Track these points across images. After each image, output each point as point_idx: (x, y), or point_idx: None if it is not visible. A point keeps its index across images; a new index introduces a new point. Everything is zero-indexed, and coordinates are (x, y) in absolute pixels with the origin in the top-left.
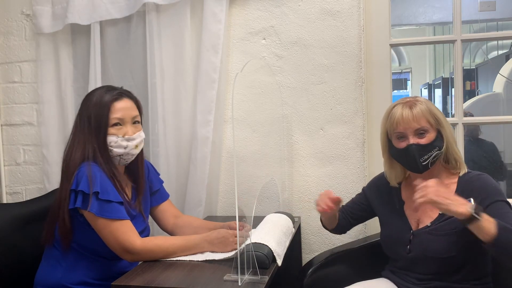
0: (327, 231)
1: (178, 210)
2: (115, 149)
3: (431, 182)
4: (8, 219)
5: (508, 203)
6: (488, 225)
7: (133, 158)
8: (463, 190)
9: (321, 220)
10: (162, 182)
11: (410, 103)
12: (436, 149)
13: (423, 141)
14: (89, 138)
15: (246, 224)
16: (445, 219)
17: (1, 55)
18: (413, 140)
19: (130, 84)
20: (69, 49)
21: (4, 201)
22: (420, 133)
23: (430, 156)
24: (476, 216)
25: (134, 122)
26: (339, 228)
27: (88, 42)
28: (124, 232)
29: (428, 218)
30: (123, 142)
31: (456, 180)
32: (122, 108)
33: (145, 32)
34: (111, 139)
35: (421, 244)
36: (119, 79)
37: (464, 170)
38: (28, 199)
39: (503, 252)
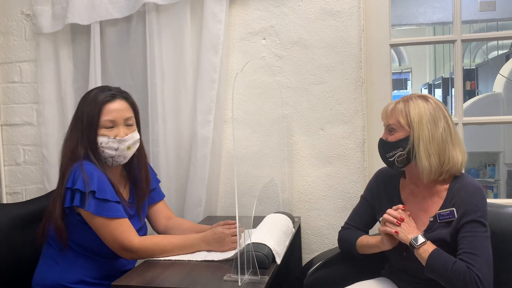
0: (327, 231)
1: (171, 212)
2: (106, 150)
3: (387, 215)
4: (8, 219)
5: (483, 222)
6: (423, 253)
7: (126, 160)
8: (451, 198)
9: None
10: (159, 181)
11: (405, 99)
12: (400, 149)
13: (390, 138)
14: (81, 138)
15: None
16: (434, 229)
17: (1, 55)
18: (384, 135)
19: (130, 84)
20: (69, 49)
21: (4, 201)
22: (389, 129)
23: (394, 155)
24: (413, 245)
25: (127, 124)
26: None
27: (88, 42)
28: (122, 231)
29: (422, 225)
30: (114, 143)
31: (447, 186)
32: (114, 109)
33: (145, 32)
34: (102, 139)
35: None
36: (119, 79)
37: (456, 173)
38: (28, 199)
39: (435, 277)
